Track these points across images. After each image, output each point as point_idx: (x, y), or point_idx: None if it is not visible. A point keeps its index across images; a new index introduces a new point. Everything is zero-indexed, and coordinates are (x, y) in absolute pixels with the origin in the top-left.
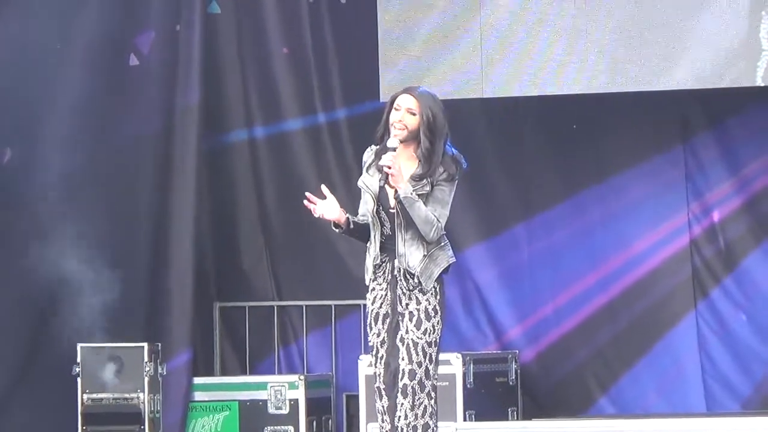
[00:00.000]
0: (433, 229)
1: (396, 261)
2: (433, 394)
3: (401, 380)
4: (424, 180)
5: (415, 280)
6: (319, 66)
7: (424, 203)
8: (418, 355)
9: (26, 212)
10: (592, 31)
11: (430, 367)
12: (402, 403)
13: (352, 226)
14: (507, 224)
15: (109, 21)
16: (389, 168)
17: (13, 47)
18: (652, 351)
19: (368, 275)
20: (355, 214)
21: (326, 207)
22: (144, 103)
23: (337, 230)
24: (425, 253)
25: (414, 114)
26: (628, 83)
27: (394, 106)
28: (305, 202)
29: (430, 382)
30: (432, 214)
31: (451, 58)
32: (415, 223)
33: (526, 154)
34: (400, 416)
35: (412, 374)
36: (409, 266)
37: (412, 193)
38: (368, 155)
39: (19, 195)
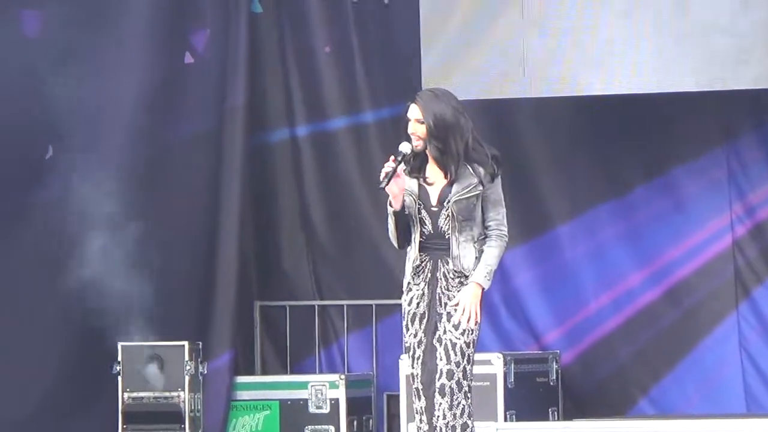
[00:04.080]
0: (506, 242)
1: (438, 261)
2: (469, 395)
3: (439, 380)
4: (472, 178)
5: (458, 281)
6: (362, 65)
7: (484, 207)
8: (456, 355)
9: (75, 209)
10: (638, 30)
11: (468, 368)
12: (440, 403)
13: (406, 211)
14: (551, 224)
15: (167, 18)
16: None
17: (70, 45)
18: (693, 352)
19: (407, 279)
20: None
21: (400, 183)
22: (197, 101)
23: (390, 209)
24: (477, 255)
25: (422, 122)
26: (674, 84)
27: (408, 116)
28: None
29: (467, 383)
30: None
31: (495, 56)
32: (468, 225)
33: (572, 154)
34: (438, 416)
35: (450, 374)
36: (463, 268)
37: (485, 276)
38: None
39: (72, 191)
